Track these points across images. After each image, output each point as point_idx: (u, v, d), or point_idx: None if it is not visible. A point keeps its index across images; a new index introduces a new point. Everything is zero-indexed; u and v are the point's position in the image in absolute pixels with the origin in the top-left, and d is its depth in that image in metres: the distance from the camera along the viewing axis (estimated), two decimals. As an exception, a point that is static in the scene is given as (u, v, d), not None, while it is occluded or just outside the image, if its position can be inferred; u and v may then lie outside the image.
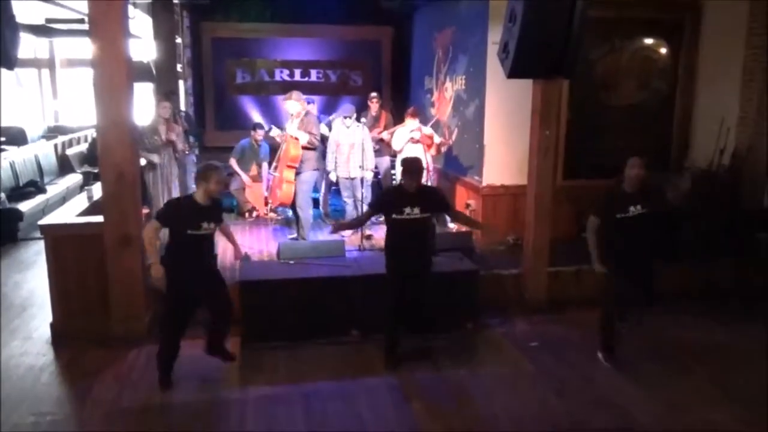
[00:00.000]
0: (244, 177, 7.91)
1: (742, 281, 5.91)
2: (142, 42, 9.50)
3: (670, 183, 6.03)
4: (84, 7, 5.35)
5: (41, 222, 5.17)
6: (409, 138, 7.10)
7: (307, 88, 9.69)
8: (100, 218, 4.87)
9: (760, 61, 6.45)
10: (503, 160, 6.69)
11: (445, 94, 8.08)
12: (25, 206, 7.93)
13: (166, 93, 7.49)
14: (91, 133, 11.31)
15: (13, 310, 5.55)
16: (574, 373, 4.54)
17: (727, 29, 6.75)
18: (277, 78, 10.52)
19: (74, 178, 10.03)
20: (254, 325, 4.79)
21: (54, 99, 13.40)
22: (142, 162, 6.04)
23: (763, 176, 6.44)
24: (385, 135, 7.69)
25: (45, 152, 9.98)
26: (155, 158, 6.28)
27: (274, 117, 9.36)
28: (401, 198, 4.48)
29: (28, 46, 12.16)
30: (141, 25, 8.94)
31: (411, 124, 7.15)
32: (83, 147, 11.47)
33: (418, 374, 4.51)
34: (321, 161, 7.22)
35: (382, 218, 7.38)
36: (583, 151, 6.90)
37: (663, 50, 7.07)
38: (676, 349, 4.92)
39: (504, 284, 5.77)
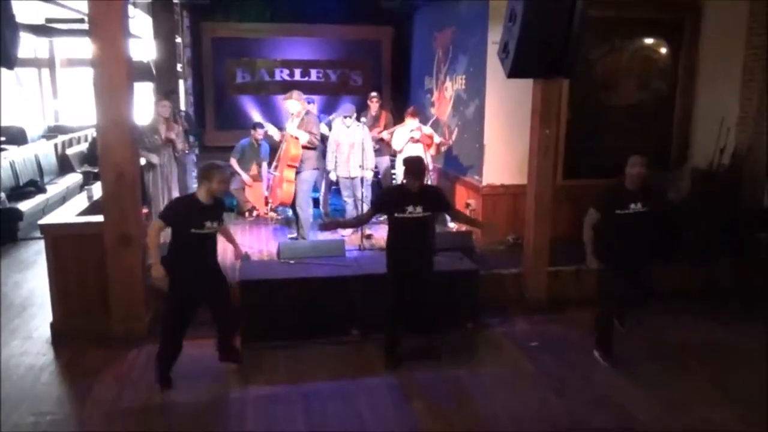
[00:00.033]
0: (245, 176, 7.91)
1: (742, 281, 5.91)
2: (142, 42, 9.50)
3: (669, 183, 6.03)
4: (84, 7, 5.34)
5: (41, 222, 5.17)
6: (410, 138, 7.10)
7: (307, 88, 9.68)
8: (100, 218, 4.87)
9: (760, 61, 6.45)
10: (503, 159, 6.69)
11: (445, 93, 8.08)
12: (25, 206, 7.94)
13: (166, 92, 7.49)
14: (91, 133, 11.32)
15: (13, 309, 5.56)
16: (574, 373, 4.54)
17: (727, 29, 6.75)
18: (277, 78, 10.52)
19: (74, 178, 10.04)
20: (254, 325, 4.79)
21: (54, 99, 13.41)
22: (142, 162, 6.04)
23: (763, 176, 6.45)
24: (384, 135, 7.69)
25: (45, 152, 9.99)
26: (154, 158, 6.28)
27: (274, 117, 9.35)
28: (404, 197, 4.48)
29: (28, 45, 12.17)
30: (141, 25, 8.94)
31: (411, 123, 7.15)
32: (83, 147, 11.47)
33: (418, 374, 4.51)
34: (321, 160, 7.22)
35: (383, 218, 7.49)
36: (583, 150, 6.90)
37: (663, 50, 7.07)
38: (676, 348, 4.92)
39: (504, 284, 5.77)
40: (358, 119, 7.11)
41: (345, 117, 7.03)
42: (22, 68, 12.45)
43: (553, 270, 5.72)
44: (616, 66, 6.97)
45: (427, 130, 7.30)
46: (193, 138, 7.84)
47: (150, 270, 4.06)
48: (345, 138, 7.02)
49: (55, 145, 10.59)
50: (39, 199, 8.42)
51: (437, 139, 7.34)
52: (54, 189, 9.11)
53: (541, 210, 5.57)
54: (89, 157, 10.86)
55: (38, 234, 5.67)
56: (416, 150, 7.04)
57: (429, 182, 6.97)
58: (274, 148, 7.41)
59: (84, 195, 6.06)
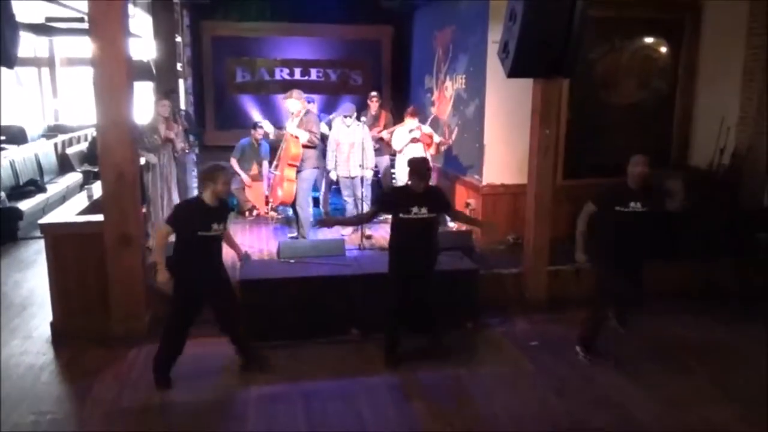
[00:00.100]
0: (244, 177, 7.91)
1: (742, 281, 5.91)
2: (142, 41, 9.49)
3: (663, 187, 6.00)
4: (84, 6, 5.35)
5: (41, 221, 5.17)
6: (410, 138, 7.10)
7: (308, 87, 9.67)
8: (100, 217, 4.87)
9: (760, 61, 6.44)
10: (503, 159, 6.69)
11: (445, 93, 8.08)
12: (25, 205, 7.94)
13: (165, 92, 7.48)
14: (91, 132, 11.31)
15: (13, 309, 5.56)
16: (574, 373, 4.54)
17: (727, 29, 6.75)
18: (277, 77, 10.51)
19: (74, 177, 10.04)
20: (254, 324, 4.79)
21: (54, 98, 13.40)
22: (141, 161, 6.03)
23: (763, 176, 6.44)
24: (384, 134, 7.69)
25: (45, 151, 9.99)
26: (153, 158, 6.26)
27: (274, 116, 9.33)
28: (408, 198, 4.48)
29: (28, 44, 12.16)
30: (141, 24, 8.94)
31: (410, 123, 7.15)
32: (83, 146, 11.47)
33: (419, 373, 4.51)
34: (321, 160, 7.23)
35: (382, 218, 7.49)
36: (583, 150, 6.90)
37: (663, 50, 7.07)
38: (676, 348, 4.92)
39: (504, 283, 5.77)
40: (358, 119, 7.11)
41: (345, 116, 7.04)
42: (22, 67, 12.44)
43: (553, 270, 5.73)
44: (616, 65, 6.97)
45: (427, 129, 7.30)
46: (193, 137, 7.83)
47: (155, 274, 4.06)
48: (345, 137, 7.02)
49: (55, 145, 10.59)
50: (39, 198, 8.42)
51: (437, 138, 7.34)
52: (54, 188, 9.11)
53: (541, 210, 5.58)
54: (89, 157, 10.86)
55: (38, 233, 5.67)
56: (416, 150, 7.04)
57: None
58: (274, 147, 7.42)
59: (84, 194, 6.06)
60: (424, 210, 4.45)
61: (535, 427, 3.92)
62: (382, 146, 7.83)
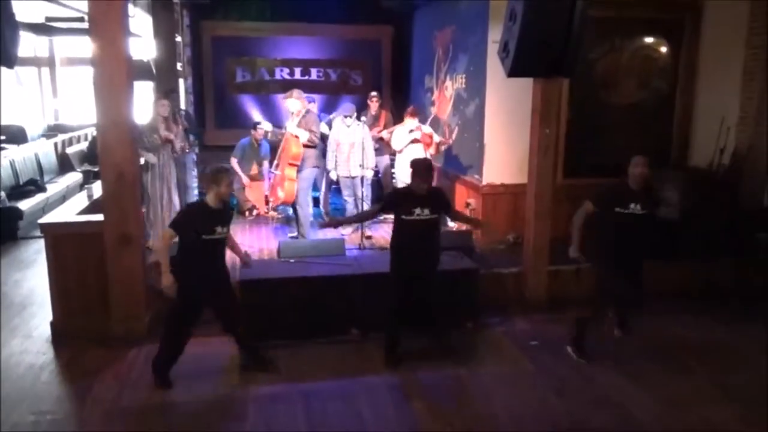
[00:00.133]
0: (244, 178, 7.91)
1: (742, 281, 5.91)
2: (142, 40, 9.49)
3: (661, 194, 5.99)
4: (84, 6, 5.35)
5: (41, 221, 5.17)
6: (410, 139, 7.10)
7: (308, 87, 9.66)
8: (100, 217, 4.87)
9: (760, 61, 6.44)
10: (503, 158, 6.69)
11: (445, 93, 8.07)
12: (25, 205, 7.94)
13: (165, 92, 7.48)
14: (91, 132, 11.31)
15: (13, 308, 5.56)
16: (574, 372, 4.54)
17: (728, 29, 6.74)
18: (278, 77, 10.50)
19: (74, 177, 10.04)
20: (254, 324, 4.79)
21: (54, 97, 13.39)
22: (141, 161, 6.03)
23: (763, 176, 6.44)
24: (384, 134, 7.70)
25: (45, 151, 9.99)
26: (152, 158, 6.25)
27: (274, 116, 9.35)
28: (411, 199, 4.48)
29: (28, 44, 12.15)
30: (141, 24, 8.93)
31: (410, 123, 7.15)
32: (83, 146, 11.47)
33: (419, 373, 4.51)
34: (321, 159, 7.24)
35: (382, 217, 7.50)
36: (583, 150, 6.90)
37: (663, 49, 7.07)
38: (676, 348, 4.92)
39: (504, 283, 5.77)
40: (358, 118, 7.12)
41: (345, 116, 7.04)
42: (22, 67, 12.42)
43: (553, 269, 5.73)
44: (617, 65, 6.97)
45: (427, 129, 7.30)
46: (193, 137, 7.83)
47: (158, 277, 4.05)
48: (345, 137, 7.02)
49: (55, 144, 10.59)
50: (39, 198, 8.42)
51: (437, 138, 7.34)
52: (54, 188, 9.11)
53: (542, 209, 5.58)
54: (89, 156, 10.86)
55: (38, 233, 5.67)
56: (416, 149, 7.04)
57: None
58: (274, 147, 7.43)
59: (84, 194, 6.06)
60: (426, 211, 4.45)
61: (535, 427, 3.92)
62: (382, 146, 7.83)
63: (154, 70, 8.49)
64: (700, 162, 6.96)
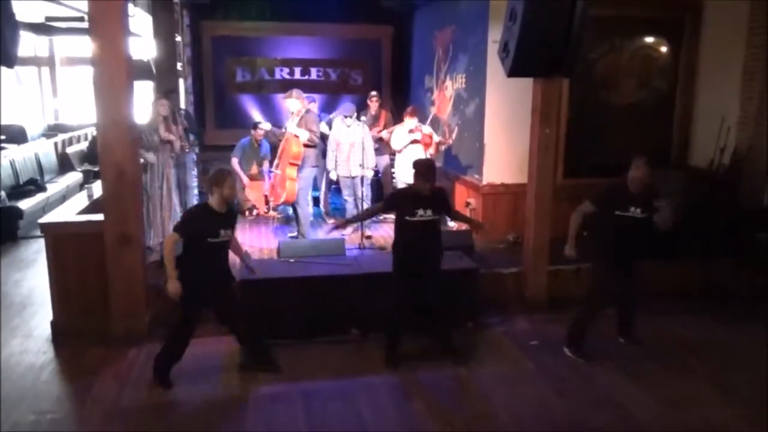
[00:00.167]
0: (244, 178, 7.91)
1: (742, 281, 5.91)
2: (142, 40, 9.48)
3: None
4: (84, 6, 5.34)
5: (41, 220, 5.17)
6: (410, 139, 7.11)
7: (308, 87, 9.66)
8: (100, 217, 4.87)
9: (760, 60, 6.44)
10: (503, 158, 6.69)
11: (445, 92, 8.07)
12: (25, 204, 7.94)
13: (165, 91, 7.48)
14: (92, 132, 11.31)
15: (13, 308, 5.56)
16: (574, 372, 4.54)
17: (728, 28, 6.74)
18: (277, 76, 10.50)
19: (74, 177, 10.04)
20: (254, 324, 4.78)
21: (54, 97, 13.39)
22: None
23: (764, 175, 6.44)
24: (384, 134, 7.70)
25: (45, 150, 9.99)
26: (151, 158, 6.24)
27: (274, 115, 9.35)
28: (415, 200, 4.48)
29: (28, 44, 12.15)
30: (141, 24, 8.92)
31: (410, 123, 7.15)
32: (83, 145, 11.47)
33: (419, 373, 4.51)
34: (321, 159, 7.25)
35: (381, 217, 7.49)
36: (583, 149, 6.90)
37: (663, 49, 7.07)
38: (677, 348, 4.92)
39: (504, 283, 5.77)
40: (358, 118, 7.12)
41: (345, 116, 7.04)
42: (22, 67, 12.43)
43: (553, 269, 5.73)
44: (617, 65, 6.97)
45: (427, 129, 7.30)
46: (193, 137, 7.83)
47: (165, 283, 4.03)
48: (345, 137, 7.02)
49: (55, 144, 10.59)
50: (39, 197, 8.42)
51: (437, 138, 7.34)
52: (54, 188, 9.11)
53: (542, 209, 5.58)
54: (89, 156, 10.86)
55: (38, 233, 5.67)
56: (415, 149, 7.04)
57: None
58: (274, 147, 7.43)
59: (84, 194, 6.06)
60: (429, 212, 4.46)
61: (535, 426, 3.91)
62: (382, 146, 7.84)
63: (154, 70, 8.49)
64: (700, 162, 6.96)
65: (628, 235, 4.52)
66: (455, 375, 4.50)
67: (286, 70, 10.51)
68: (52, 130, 11.97)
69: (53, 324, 4.94)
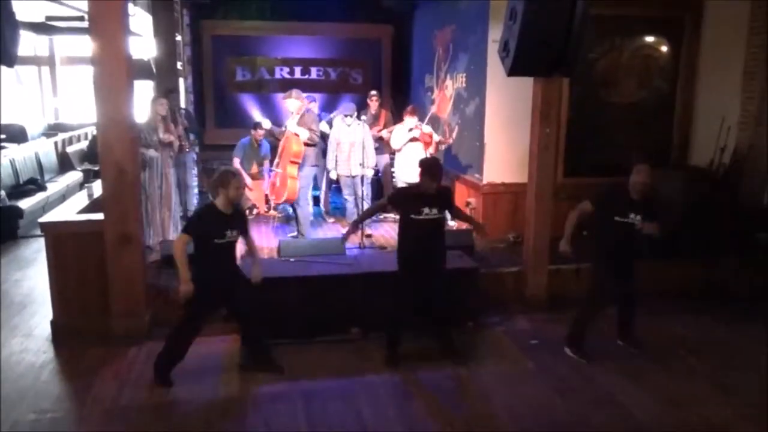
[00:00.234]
0: (247, 179, 7.91)
1: (742, 281, 5.90)
2: (142, 39, 9.48)
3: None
4: (84, 5, 5.34)
5: (41, 219, 5.18)
6: (409, 138, 7.10)
7: (308, 86, 9.68)
8: (100, 216, 4.87)
9: (760, 60, 6.43)
10: (504, 157, 6.69)
11: (445, 92, 8.07)
12: (25, 204, 7.94)
13: (165, 91, 7.48)
14: (92, 131, 11.30)
15: (13, 307, 5.56)
16: (574, 372, 4.54)
17: (728, 28, 6.74)
18: (278, 76, 10.50)
19: (74, 176, 10.04)
20: (254, 324, 4.78)
21: (54, 96, 13.38)
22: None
23: (764, 175, 6.43)
24: (384, 133, 7.70)
25: (45, 150, 9.99)
26: (152, 152, 6.22)
27: (274, 115, 9.34)
28: (420, 199, 4.48)
29: (28, 43, 12.14)
30: (141, 23, 8.93)
31: (409, 122, 7.15)
32: (83, 144, 11.47)
33: (419, 373, 4.51)
34: (321, 158, 7.25)
35: (381, 216, 7.49)
36: (583, 149, 6.89)
37: (663, 48, 7.06)
38: (677, 348, 4.91)
39: (504, 282, 5.77)
40: (358, 118, 7.13)
41: (345, 116, 7.04)
42: (22, 66, 12.42)
43: (553, 268, 5.72)
44: (617, 64, 6.96)
45: (427, 129, 7.30)
46: (193, 136, 7.83)
47: (179, 286, 4.02)
48: (345, 136, 7.02)
49: (56, 143, 10.58)
50: (39, 197, 8.42)
51: (436, 137, 7.34)
52: (54, 187, 9.11)
53: (542, 208, 5.58)
54: (89, 155, 10.85)
55: (38, 232, 5.67)
56: (415, 149, 7.04)
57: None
58: (274, 146, 7.44)
59: (84, 193, 6.06)
60: (434, 210, 4.47)
61: (535, 426, 3.91)
62: (382, 145, 7.84)
63: (154, 69, 8.49)
64: (700, 161, 6.96)
65: (627, 241, 4.51)
66: (455, 375, 4.50)
67: (286, 69, 10.51)
68: (52, 130, 11.96)
69: (53, 323, 4.94)
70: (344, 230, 6.81)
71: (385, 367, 4.54)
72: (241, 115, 10.23)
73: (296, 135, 6.64)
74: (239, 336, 4.55)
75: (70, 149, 10.82)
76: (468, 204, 7.08)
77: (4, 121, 10.03)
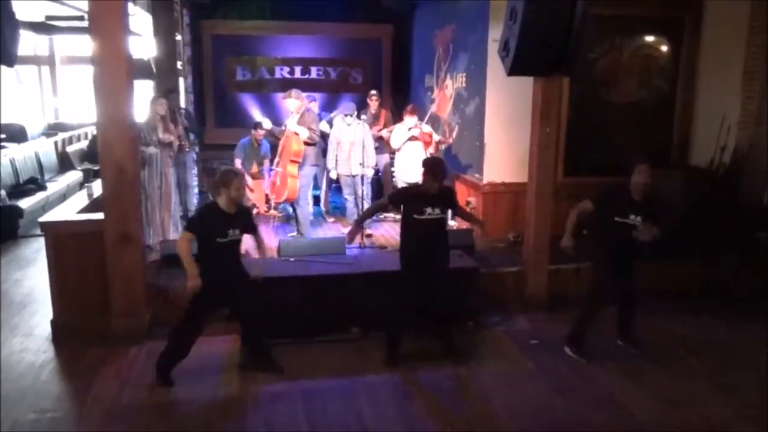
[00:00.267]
0: (249, 179, 7.91)
1: (742, 281, 5.90)
2: (142, 39, 9.49)
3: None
4: (84, 5, 5.34)
5: (41, 219, 5.18)
6: (408, 137, 7.10)
7: (308, 86, 9.68)
8: (100, 215, 4.87)
9: (760, 60, 6.43)
10: (504, 157, 6.68)
11: (445, 91, 8.07)
12: (25, 203, 7.94)
13: (164, 91, 7.48)
14: (92, 131, 11.31)
15: (13, 307, 5.56)
16: (575, 372, 4.54)
17: (728, 27, 6.73)
18: (278, 75, 10.50)
19: (74, 176, 10.04)
20: (254, 323, 4.78)
21: (54, 96, 13.38)
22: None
23: (764, 174, 6.43)
24: (384, 133, 7.70)
25: (45, 149, 9.99)
26: (152, 149, 6.21)
27: (274, 114, 9.35)
28: (423, 199, 4.48)
29: (28, 43, 12.14)
30: (141, 23, 8.93)
31: (409, 121, 7.15)
32: (83, 144, 11.47)
33: (419, 373, 4.51)
34: (321, 157, 7.25)
35: (382, 216, 7.49)
36: (583, 148, 6.89)
37: (664, 48, 7.06)
38: (677, 348, 4.91)
39: (504, 282, 5.77)
40: (358, 117, 7.13)
41: (346, 115, 7.04)
42: (22, 66, 12.41)
43: (553, 268, 5.72)
44: (617, 64, 6.96)
45: (427, 128, 7.30)
46: (193, 136, 7.83)
47: (186, 283, 4.01)
48: (346, 136, 7.02)
49: (56, 143, 10.59)
50: (39, 196, 8.43)
51: (436, 137, 7.34)
52: (54, 186, 9.11)
53: (542, 208, 5.57)
54: (89, 155, 10.86)
55: (38, 231, 5.67)
56: (414, 148, 7.04)
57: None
58: (274, 146, 7.44)
59: (84, 192, 6.06)
60: (437, 210, 4.46)
61: (535, 426, 3.91)
62: (382, 145, 7.84)
63: (154, 69, 8.49)
64: (700, 161, 6.96)
65: (627, 241, 4.51)
66: (455, 375, 4.50)
67: (287, 69, 10.51)
68: (52, 129, 11.97)
69: (53, 323, 4.94)
70: (345, 230, 6.87)
71: (385, 367, 4.54)
72: (241, 114, 10.23)
73: (296, 134, 6.65)
74: (239, 336, 4.55)
75: (70, 149, 10.82)
76: (468, 204, 7.08)
77: (4, 121, 10.04)
